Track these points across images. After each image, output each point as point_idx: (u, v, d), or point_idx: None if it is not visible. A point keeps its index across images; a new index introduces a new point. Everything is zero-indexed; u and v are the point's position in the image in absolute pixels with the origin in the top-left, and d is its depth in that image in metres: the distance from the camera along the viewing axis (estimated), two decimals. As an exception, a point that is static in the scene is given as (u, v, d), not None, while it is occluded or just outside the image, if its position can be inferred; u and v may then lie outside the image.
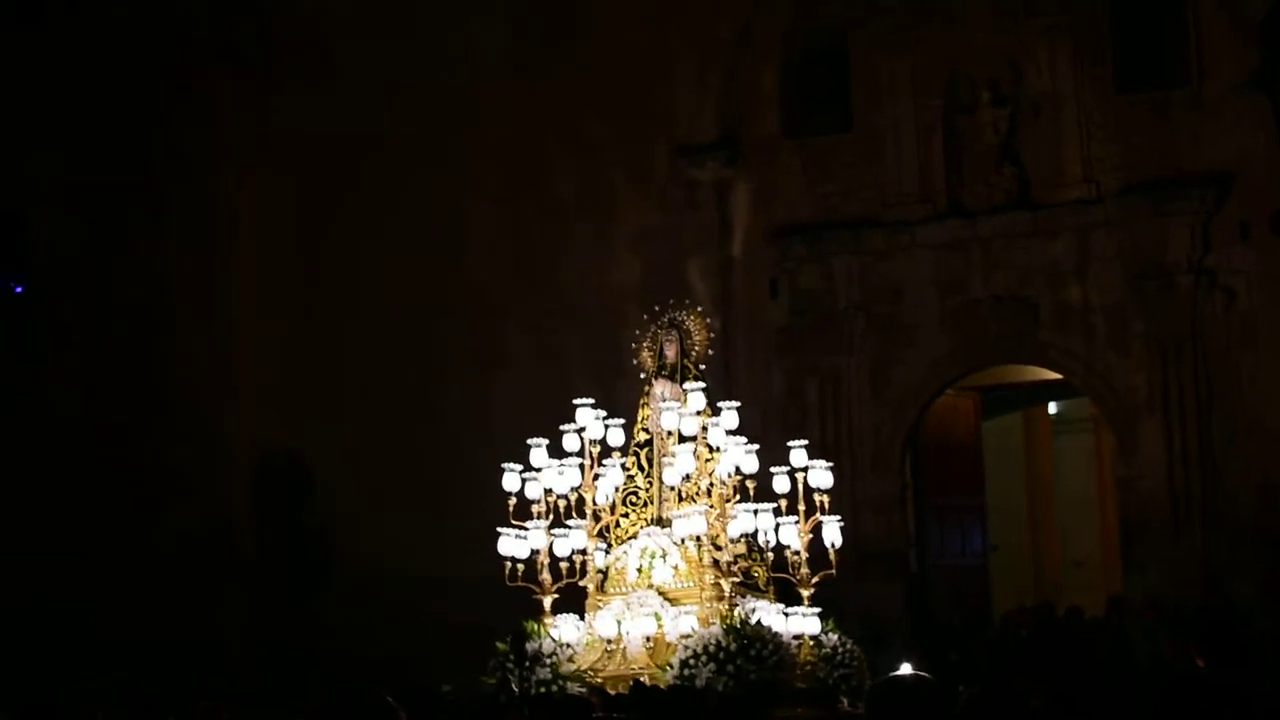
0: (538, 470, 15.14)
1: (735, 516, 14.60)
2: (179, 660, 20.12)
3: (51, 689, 12.88)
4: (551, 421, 15.36)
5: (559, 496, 15.05)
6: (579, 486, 15.05)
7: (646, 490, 15.52)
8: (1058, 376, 22.09)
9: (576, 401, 15.31)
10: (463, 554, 18.32)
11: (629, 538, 15.36)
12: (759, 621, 14.43)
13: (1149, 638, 19.03)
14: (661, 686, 13.30)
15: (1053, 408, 27.61)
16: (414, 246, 22.96)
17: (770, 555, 15.11)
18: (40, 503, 21.77)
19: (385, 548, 21.76)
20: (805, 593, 14.90)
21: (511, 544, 14.99)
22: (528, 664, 14.34)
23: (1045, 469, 27.54)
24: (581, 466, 15.07)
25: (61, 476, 22.00)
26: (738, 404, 15.17)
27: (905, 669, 18.28)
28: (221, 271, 23.34)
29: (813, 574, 14.88)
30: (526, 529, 15.06)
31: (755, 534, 14.81)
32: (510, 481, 15.09)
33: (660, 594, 14.91)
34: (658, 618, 14.67)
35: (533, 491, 15.10)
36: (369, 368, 22.94)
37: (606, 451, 15.12)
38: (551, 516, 15.11)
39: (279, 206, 23.52)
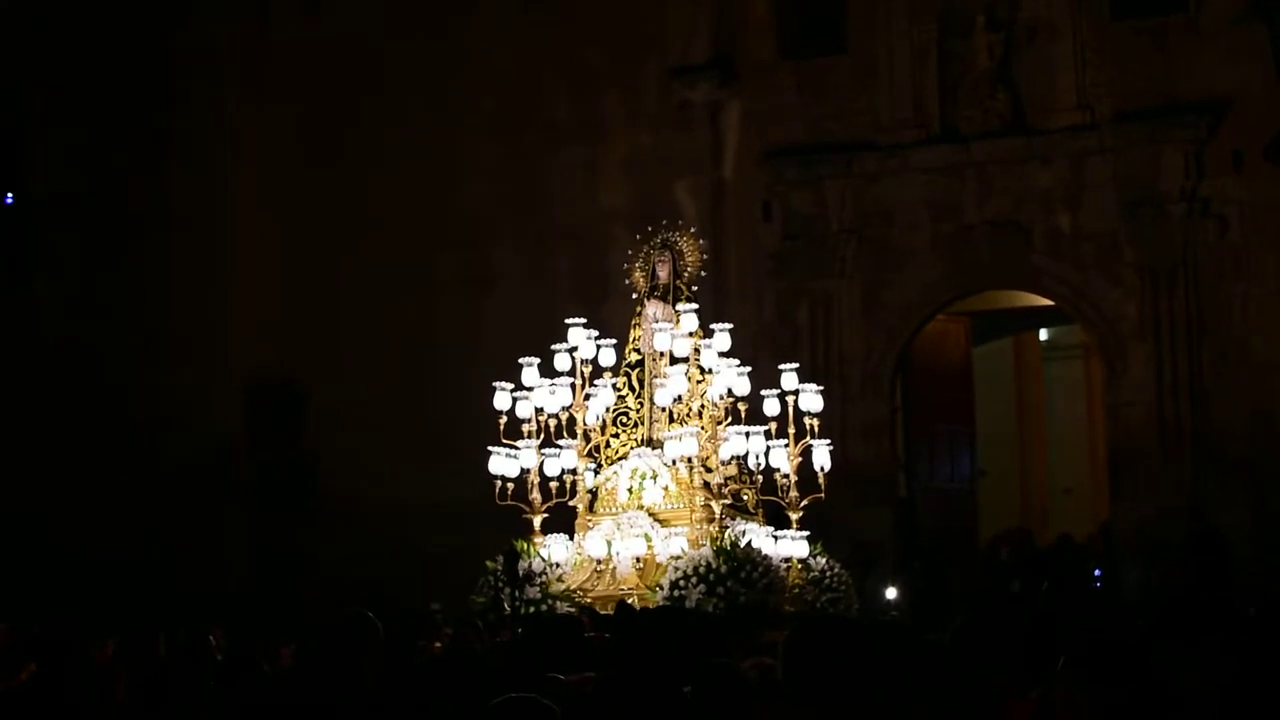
0: (529, 389, 15.12)
1: (727, 439, 14.60)
2: (179, 582, 20.11)
3: (63, 618, 12.70)
4: (539, 343, 15.34)
5: (550, 416, 15.05)
6: (570, 406, 15.04)
7: (637, 411, 15.50)
8: (1049, 303, 22.04)
9: (569, 321, 15.28)
10: (454, 476, 18.27)
11: (619, 458, 15.36)
12: (749, 544, 14.43)
13: (1137, 566, 19.10)
14: (650, 607, 13.28)
15: (1044, 334, 27.61)
16: (411, 172, 22.85)
17: (760, 478, 15.11)
18: (32, 425, 21.66)
19: (378, 470, 21.75)
20: (794, 515, 14.91)
21: (502, 463, 14.98)
22: (519, 583, 14.31)
23: (1035, 395, 27.54)
24: (573, 386, 15.06)
25: (53, 398, 21.88)
26: (730, 326, 15.14)
27: (890, 593, 18.29)
28: (219, 196, 23.18)
29: (802, 497, 14.89)
30: (517, 448, 15.04)
31: (746, 456, 14.83)
32: (501, 400, 15.07)
33: (650, 515, 14.91)
34: (648, 539, 14.70)
35: (523, 411, 15.09)
36: (364, 292, 22.83)
37: (598, 371, 15.13)
38: (542, 436, 15.11)
39: (279, 133, 23.38)
